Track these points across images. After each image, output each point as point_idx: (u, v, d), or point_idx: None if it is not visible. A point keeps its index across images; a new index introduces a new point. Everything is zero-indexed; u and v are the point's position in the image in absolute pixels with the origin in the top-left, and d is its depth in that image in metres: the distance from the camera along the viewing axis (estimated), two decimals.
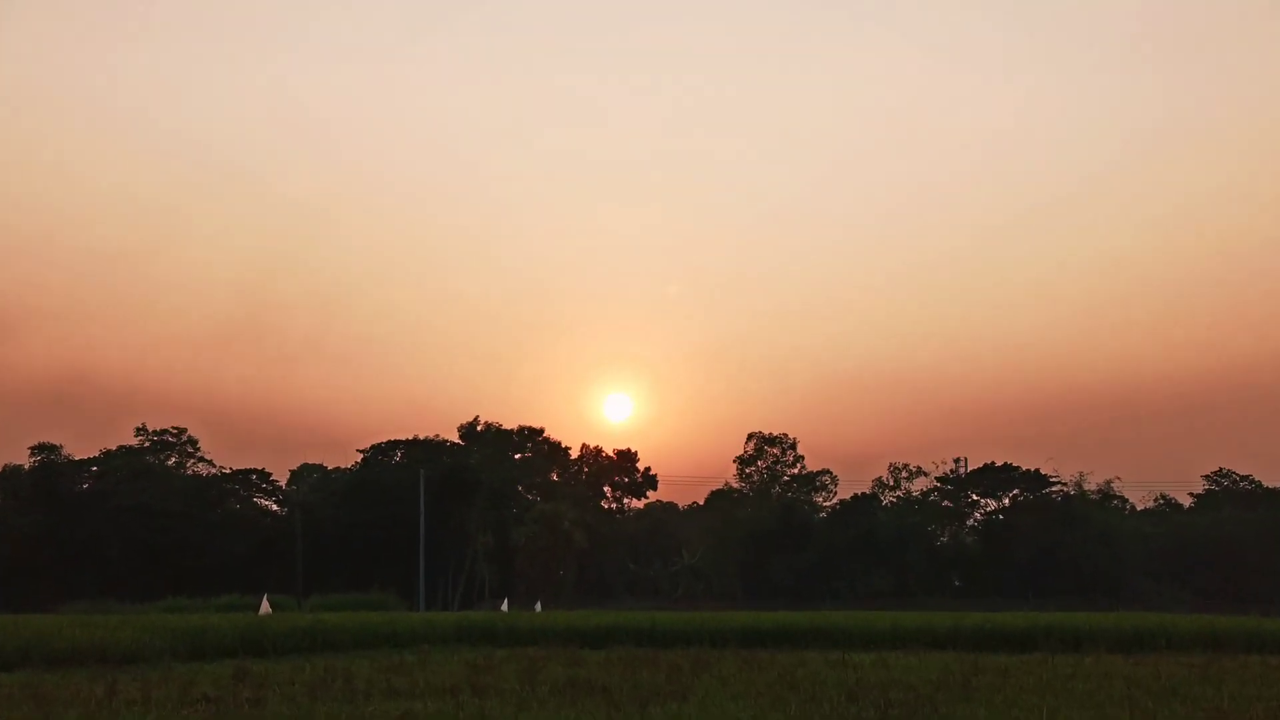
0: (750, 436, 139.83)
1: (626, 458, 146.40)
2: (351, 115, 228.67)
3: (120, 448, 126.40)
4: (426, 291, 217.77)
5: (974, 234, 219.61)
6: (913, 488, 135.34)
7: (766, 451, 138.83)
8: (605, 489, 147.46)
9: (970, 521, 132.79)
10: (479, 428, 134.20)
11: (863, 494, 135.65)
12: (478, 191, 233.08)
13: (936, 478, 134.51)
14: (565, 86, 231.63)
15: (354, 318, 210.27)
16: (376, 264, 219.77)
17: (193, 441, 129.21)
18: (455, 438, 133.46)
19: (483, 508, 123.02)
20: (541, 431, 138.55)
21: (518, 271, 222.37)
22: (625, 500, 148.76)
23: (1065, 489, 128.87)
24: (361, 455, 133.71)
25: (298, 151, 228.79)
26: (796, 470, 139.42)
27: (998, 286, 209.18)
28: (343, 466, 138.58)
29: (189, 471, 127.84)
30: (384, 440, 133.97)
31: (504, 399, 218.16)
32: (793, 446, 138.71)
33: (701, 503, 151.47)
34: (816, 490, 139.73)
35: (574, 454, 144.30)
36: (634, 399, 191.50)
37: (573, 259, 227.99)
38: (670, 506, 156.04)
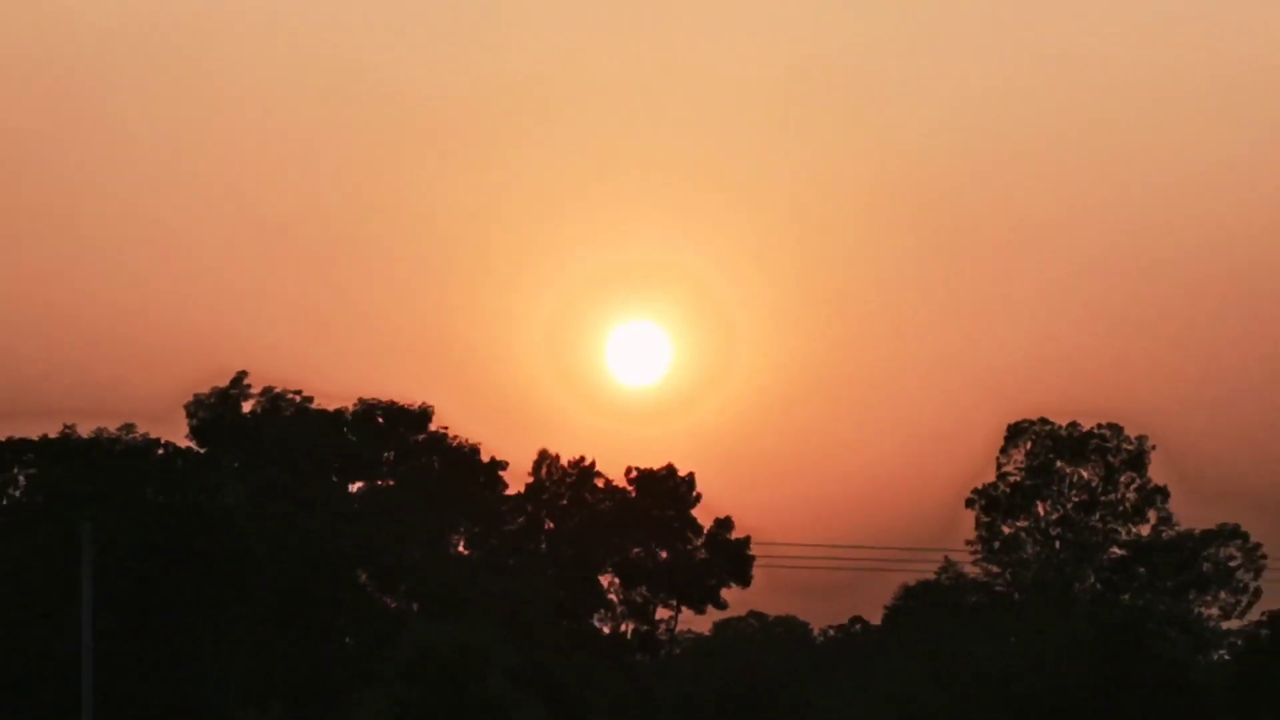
0: (1017, 429, 66.55)
1: (663, 492, 69.86)
2: None
3: None
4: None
5: None
6: None
7: (1055, 467, 66.01)
8: (607, 581, 70.66)
9: None
10: (248, 404, 62.56)
11: None
12: None
13: None
14: None
15: None
16: None
17: None
18: (176, 432, 58.79)
19: (258, 620, 48.08)
20: (425, 416, 65.82)
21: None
22: (663, 615, 71.95)
23: None
24: None
25: None
26: (1131, 498, 65.31)
27: None
28: None
29: None
30: None
31: (317, 338, 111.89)
32: (1127, 442, 66.57)
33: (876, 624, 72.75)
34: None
35: (515, 479, 69.16)
36: (675, 334, 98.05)
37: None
38: (791, 625, 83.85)
